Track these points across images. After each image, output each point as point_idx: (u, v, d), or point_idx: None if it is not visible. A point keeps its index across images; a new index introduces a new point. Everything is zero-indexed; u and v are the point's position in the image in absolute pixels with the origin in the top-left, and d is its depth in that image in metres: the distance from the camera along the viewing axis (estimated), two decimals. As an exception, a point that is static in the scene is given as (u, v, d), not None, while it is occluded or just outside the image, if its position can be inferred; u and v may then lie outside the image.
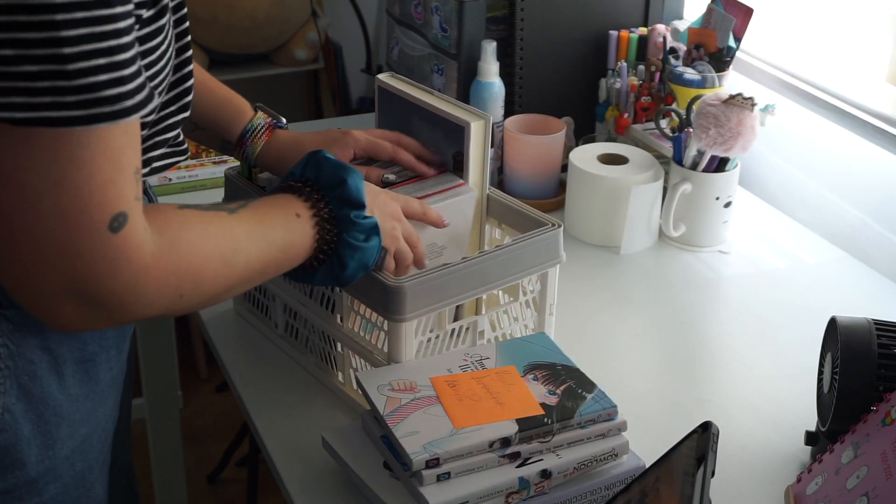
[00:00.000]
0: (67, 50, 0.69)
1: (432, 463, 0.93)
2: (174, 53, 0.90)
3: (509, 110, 1.65)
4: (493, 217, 1.25)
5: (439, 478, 0.93)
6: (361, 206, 1.00)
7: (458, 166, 1.22)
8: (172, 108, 0.94)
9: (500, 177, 1.63)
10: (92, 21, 0.70)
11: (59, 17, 0.69)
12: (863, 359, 1.01)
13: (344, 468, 1.02)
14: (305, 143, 1.23)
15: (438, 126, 1.22)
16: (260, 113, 1.25)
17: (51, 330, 0.91)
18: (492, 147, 1.31)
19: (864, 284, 1.44)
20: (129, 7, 0.73)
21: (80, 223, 0.74)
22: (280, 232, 0.95)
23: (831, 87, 1.55)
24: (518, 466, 0.95)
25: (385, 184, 1.20)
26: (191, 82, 0.95)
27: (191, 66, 0.95)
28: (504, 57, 1.62)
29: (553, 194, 1.61)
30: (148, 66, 0.82)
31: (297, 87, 3.16)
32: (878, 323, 1.04)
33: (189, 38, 0.94)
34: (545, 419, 0.97)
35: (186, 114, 0.96)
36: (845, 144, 1.53)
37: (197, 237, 0.85)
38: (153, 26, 0.82)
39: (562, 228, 1.17)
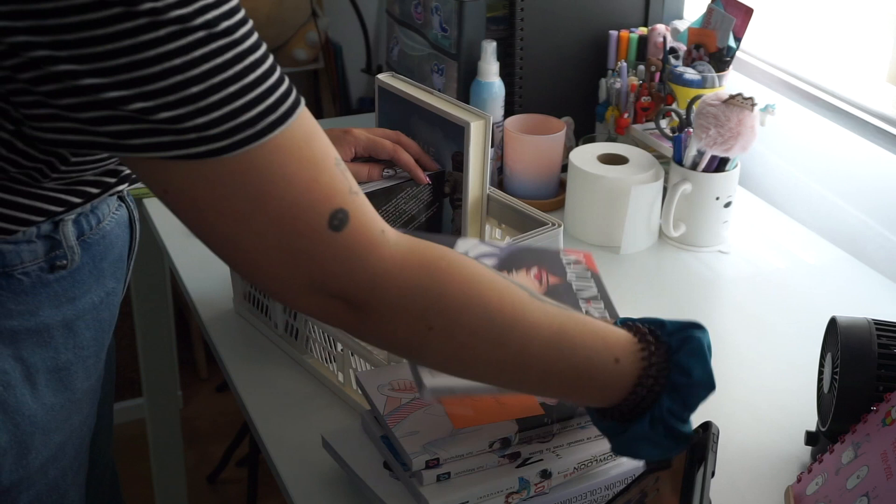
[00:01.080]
0: (195, 89, 0.69)
1: (432, 463, 0.92)
2: None
3: (509, 110, 1.65)
4: (493, 217, 1.26)
5: (439, 478, 0.93)
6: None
7: (457, 166, 1.22)
8: None
9: (500, 177, 1.63)
10: (210, 55, 0.69)
11: (177, 61, 0.68)
12: (863, 359, 1.01)
13: (344, 468, 1.02)
14: None
15: (438, 126, 1.22)
16: None
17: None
18: (492, 147, 1.31)
19: (864, 284, 1.44)
20: (248, 27, 0.72)
21: (297, 230, 0.73)
22: (583, 354, 0.83)
23: (831, 87, 1.55)
24: (518, 467, 0.95)
25: (386, 177, 1.22)
26: None
27: None
28: (504, 57, 1.62)
29: (553, 194, 1.61)
30: None
31: (297, 87, 3.15)
32: (878, 323, 1.04)
33: None
34: (545, 419, 0.97)
35: None
36: (845, 144, 1.53)
37: (468, 280, 0.79)
38: None
39: (562, 228, 1.18)
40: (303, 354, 1.23)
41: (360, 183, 1.23)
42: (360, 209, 0.76)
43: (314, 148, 0.74)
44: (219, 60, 0.69)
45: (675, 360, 0.84)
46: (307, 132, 0.75)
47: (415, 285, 0.77)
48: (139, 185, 1.03)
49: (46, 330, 0.93)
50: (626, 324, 0.88)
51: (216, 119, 0.69)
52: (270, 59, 0.73)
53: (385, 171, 1.23)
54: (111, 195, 0.97)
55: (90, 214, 0.95)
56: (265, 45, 0.73)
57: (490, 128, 1.19)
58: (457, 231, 1.26)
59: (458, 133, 1.20)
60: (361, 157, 1.25)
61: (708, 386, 0.85)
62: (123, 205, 1.06)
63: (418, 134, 1.26)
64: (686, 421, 0.85)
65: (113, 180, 0.94)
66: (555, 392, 0.88)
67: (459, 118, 1.19)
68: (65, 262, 0.93)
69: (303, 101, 0.75)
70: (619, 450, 0.89)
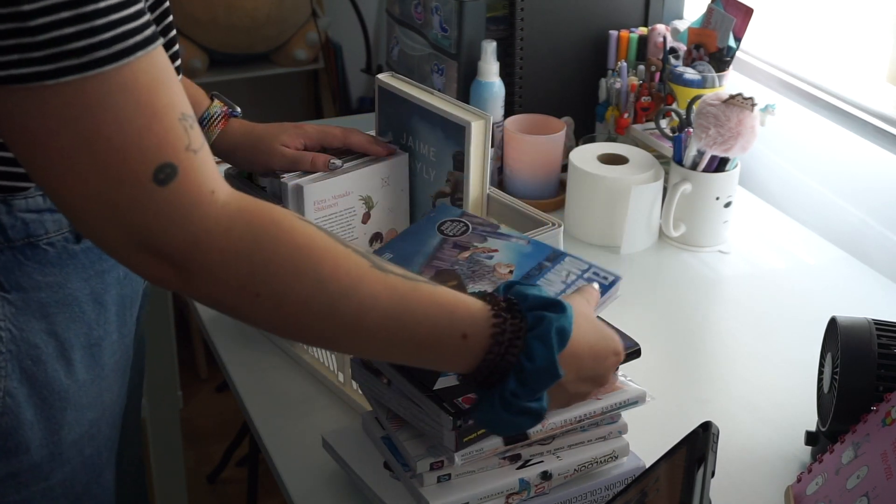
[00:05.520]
0: (27, 7, 0.68)
1: (436, 465, 0.92)
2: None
3: (509, 110, 1.65)
4: (494, 217, 1.25)
5: (440, 479, 0.93)
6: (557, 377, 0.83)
7: (458, 166, 1.22)
8: None
9: (500, 177, 1.63)
10: None
11: None
12: (863, 359, 1.01)
13: (344, 468, 1.02)
14: (258, 132, 1.24)
15: (438, 126, 1.22)
16: (216, 101, 1.25)
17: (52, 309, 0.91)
18: (492, 147, 1.31)
19: (864, 284, 1.44)
20: None
21: (121, 177, 0.71)
22: (427, 327, 0.81)
23: (831, 87, 1.55)
24: (518, 468, 0.95)
25: (332, 168, 1.21)
26: (176, 48, 0.94)
27: (174, 33, 0.93)
28: (504, 57, 1.62)
29: (553, 194, 1.61)
30: None
31: (297, 87, 3.16)
32: (878, 323, 1.04)
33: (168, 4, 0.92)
34: None
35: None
36: (845, 144, 1.53)
37: (301, 247, 0.76)
38: None
39: (562, 228, 1.17)
40: (303, 354, 1.23)
41: (304, 172, 1.23)
42: (193, 167, 0.73)
43: (158, 96, 0.72)
44: None
45: (526, 339, 0.81)
46: (154, 79, 0.72)
47: (239, 249, 0.74)
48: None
49: (77, 304, 0.94)
50: (486, 295, 0.84)
51: (41, 42, 0.68)
52: None
53: (331, 162, 1.22)
54: None
55: None
56: None
57: (490, 128, 1.19)
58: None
59: (458, 133, 1.20)
60: (313, 149, 1.24)
61: (551, 374, 0.81)
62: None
63: (418, 134, 1.26)
64: (535, 400, 0.83)
65: None
66: (400, 360, 0.86)
67: (460, 118, 1.19)
68: None
69: (155, 45, 0.72)
70: (479, 422, 0.87)
